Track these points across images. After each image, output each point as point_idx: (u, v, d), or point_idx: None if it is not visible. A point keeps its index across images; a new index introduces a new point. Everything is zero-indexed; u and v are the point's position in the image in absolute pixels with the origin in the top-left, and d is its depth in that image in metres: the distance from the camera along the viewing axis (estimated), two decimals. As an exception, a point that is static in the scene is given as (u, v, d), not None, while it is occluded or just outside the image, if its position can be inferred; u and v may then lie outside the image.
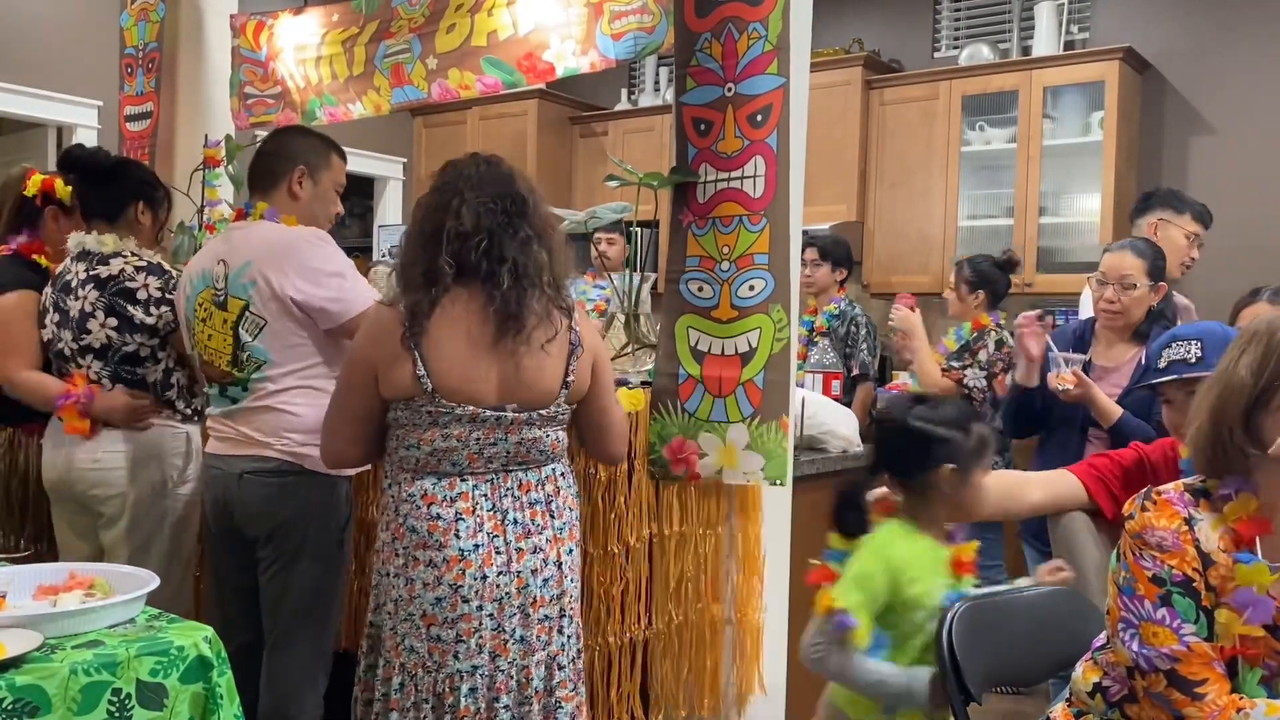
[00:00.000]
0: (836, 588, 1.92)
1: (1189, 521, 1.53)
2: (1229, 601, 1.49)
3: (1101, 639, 1.70)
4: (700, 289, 2.33)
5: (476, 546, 1.95)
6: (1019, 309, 4.18)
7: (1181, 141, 4.88)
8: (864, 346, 4.31)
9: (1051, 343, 2.81)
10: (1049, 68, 4.85)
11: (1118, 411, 2.71)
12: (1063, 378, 2.73)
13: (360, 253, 6.17)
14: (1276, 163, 4.62)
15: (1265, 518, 1.51)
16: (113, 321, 2.64)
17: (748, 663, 2.36)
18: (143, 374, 2.68)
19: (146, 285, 2.65)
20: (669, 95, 5.65)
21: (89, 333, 2.64)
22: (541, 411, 2.00)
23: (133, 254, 2.70)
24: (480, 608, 1.95)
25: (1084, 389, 2.72)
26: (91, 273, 2.67)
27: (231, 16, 3.83)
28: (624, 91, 6.50)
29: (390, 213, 6.66)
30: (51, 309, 2.76)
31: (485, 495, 1.98)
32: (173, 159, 3.70)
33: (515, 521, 1.99)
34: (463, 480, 1.98)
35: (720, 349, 2.31)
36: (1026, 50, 5.18)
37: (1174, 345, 2.13)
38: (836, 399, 3.35)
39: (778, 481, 2.31)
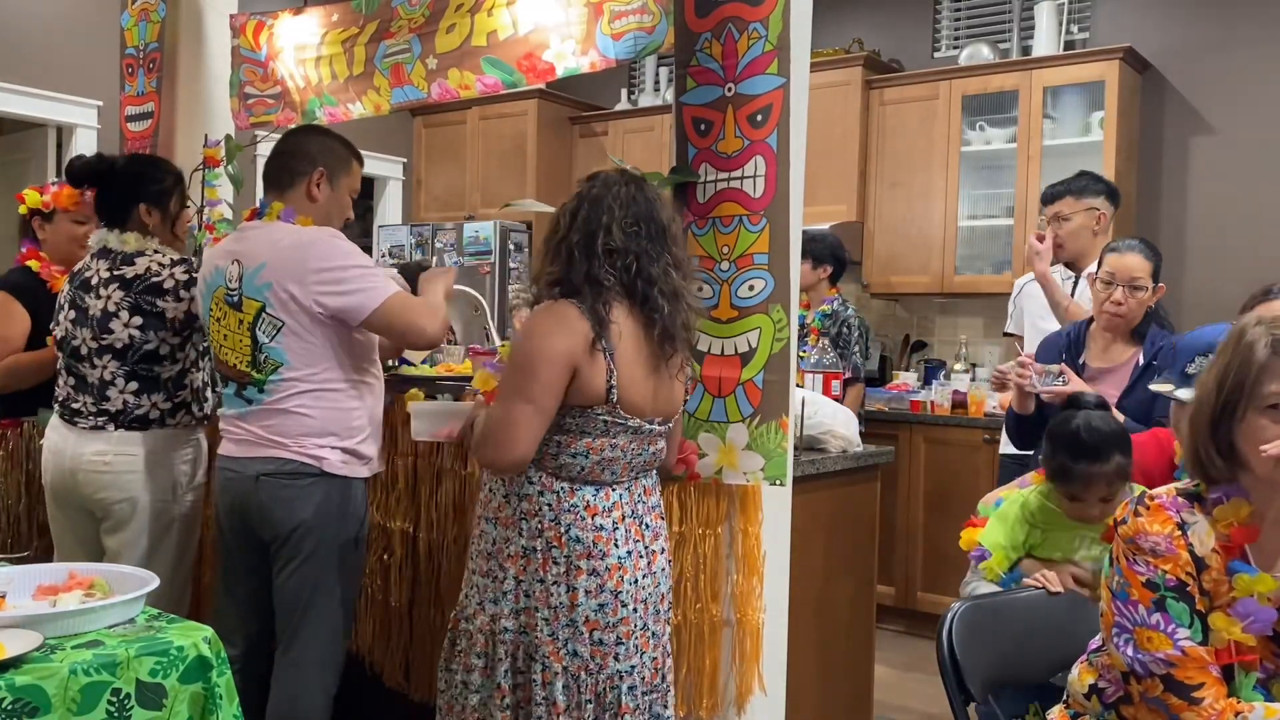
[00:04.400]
0: (985, 528, 2.35)
1: (1181, 526, 1.52)
2: (1230, 610, 1.48)
3: (1097, 641, 1.70)
4: (700, 289, 2.32)
5: (630, 553, 2.04)
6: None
7: (1181, 141, 4.88)
8: (856, 349, 4.30)
9: (1034, 374, 2.78)
10: (1049, 68, 4.85)
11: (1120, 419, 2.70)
12: (1053, 391, 2.73)
13: (360, 253, 6.15)
14: (1276, 163, 4.62)
15: (1254, 524, 1.51)
16: (138, 320, 2.64)
17: (747, 663, 2.36)
18: (159, 372, 2.68)
19: (173, 275, 2.68)
20: (669, 95, 5.65)
21: (111, 332, 2.65)
22: (669, 424, 2.13)
23: (155, 251, 2.72)
24: (635, 610, 2.04)
25: None
26: (116, 272, 2.67)
27: (231, 16, 3.83)
28: (624, 91, 6.51)
29: (390, 213, 6.66)
30: (67, 305, 2.75)
31: (626, 502, 2.07)
32: (173, 159, 3.69)
33: (647, 526, 2.10)
34: (613, 490, 2.05)
35: (720, 349, 2.31)
36: (1026, 50, 5.18)
37: (1209, 356, 2.09)
38: (836, 399, 3.35)
39: (778, 481, 2.31)
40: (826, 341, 4.14)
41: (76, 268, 2.81)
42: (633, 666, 2.05)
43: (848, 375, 4.27)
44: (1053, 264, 3.67)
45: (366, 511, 2.49)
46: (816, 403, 3.02)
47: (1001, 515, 2.35)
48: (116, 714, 1.53)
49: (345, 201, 2.57)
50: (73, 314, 2.73)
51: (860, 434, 3.13)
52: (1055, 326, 3.32)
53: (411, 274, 2.97)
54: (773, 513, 2.40)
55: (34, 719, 1.45)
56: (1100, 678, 1.65)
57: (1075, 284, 3.62)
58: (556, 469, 2.02)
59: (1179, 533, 1.52)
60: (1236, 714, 1.44)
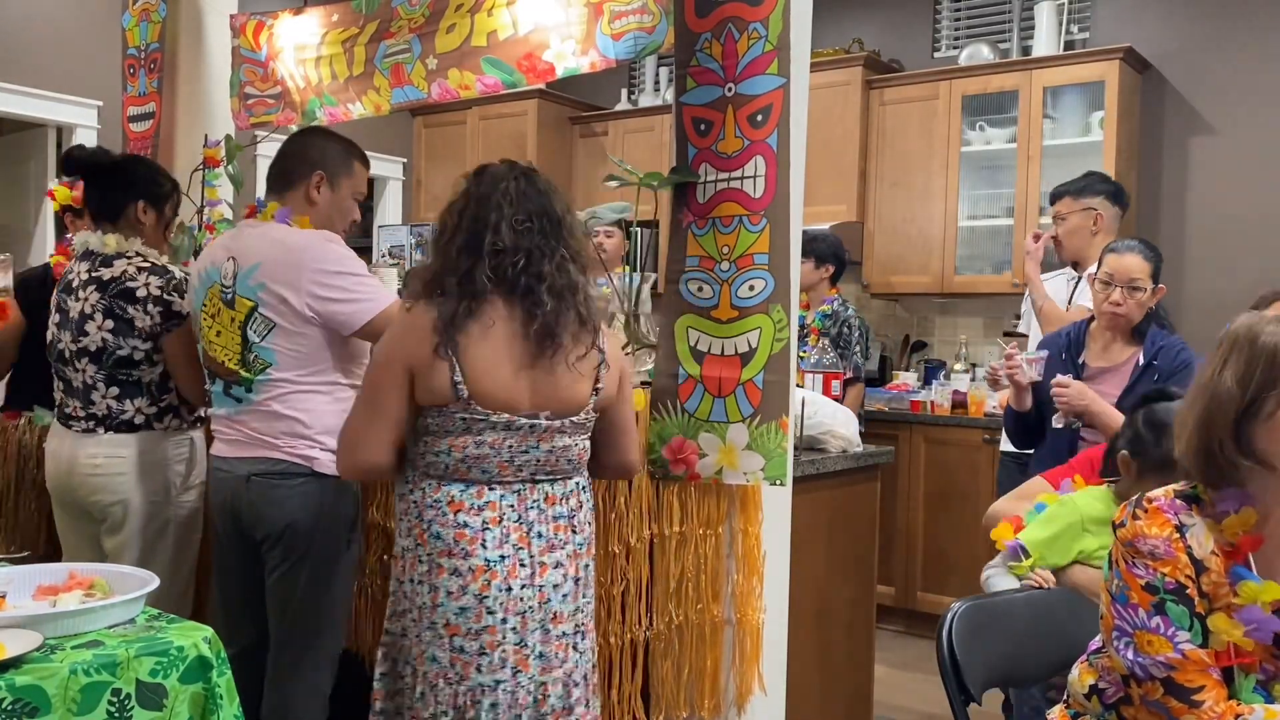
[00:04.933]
0: (1028, 528, 2.30)
1: (1180, 529, 1.52)
2: (1233, 615, 1.48)
3: (1097, 642, 1.70)
4: (700, 289, 2.33)
5: (502, 558, 1.93)
6: (1018, 307, 4.19)
7: (1181, 141, 4.88)
8: (857, 349, 4.30)
9: (1022, 361, 2.85)
10: (1049, 68, 4.85)
11: (1120, 420, 2.70)
12: (1056, 393, 2.78)
13: (360, 253, 6.16)
14: (1276, 163, 4.62)
15: (1259, 532, 1.51)
16: (110, 324, 2.63)
17: (747, 663, 2.36)
18: (139, 376, 2.67)
19: (147, 285, 2.64)
20: (669, 95, 5.65)
21: (86, 335, 2.64)
22: (573, 419, 1.99)
23: (137, 254, 2.70)
24: (504, 620, 1.92)
25: (1085, 403, 2.74)
26: (94, 274, 2.66)
27: (231, 16, 3.83)
28: (624, 91, 6.50)
29: (390, 213, 6.66)
30: (54, 309, 2.75)
31: (512, 506, 1.96)
32: (173, 159, 3.70)
33: (540, 535, 1.97)
34: (490, 489, 1.95)
35: (720, 349, 2.30)
36: (1026, 50, 5.18)
37: None
38: (836, 399, 3.35)
39: (778, 481, 2.31)
40: (826, 341, 4.14)
41: (64, 270, 2.81)
42: (498, 682, 1.92)
43: (848, 375, 4.27)
44: (1060, 264, 3.72)
45: (359, 512, 2.49)
46: (816, 403, 3.02)
47: (1050, 520, 2.28)
48: (117, 714, 1.53)
49: (347, 205, 2.54)
50: (57, 317, 2.72)
51: (860, 434, 3.14)
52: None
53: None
54: (773, 513, 2.40)
55: (34, 719, 1.45)
56: (1100, 678, 1.64)
57: (1077, 285, 3.63)
58: (426, 468, 1.97)
59: (1177, 535, 1.51)
60: (1236, 716, 1.44)
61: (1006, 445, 3.63)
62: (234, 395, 2.40)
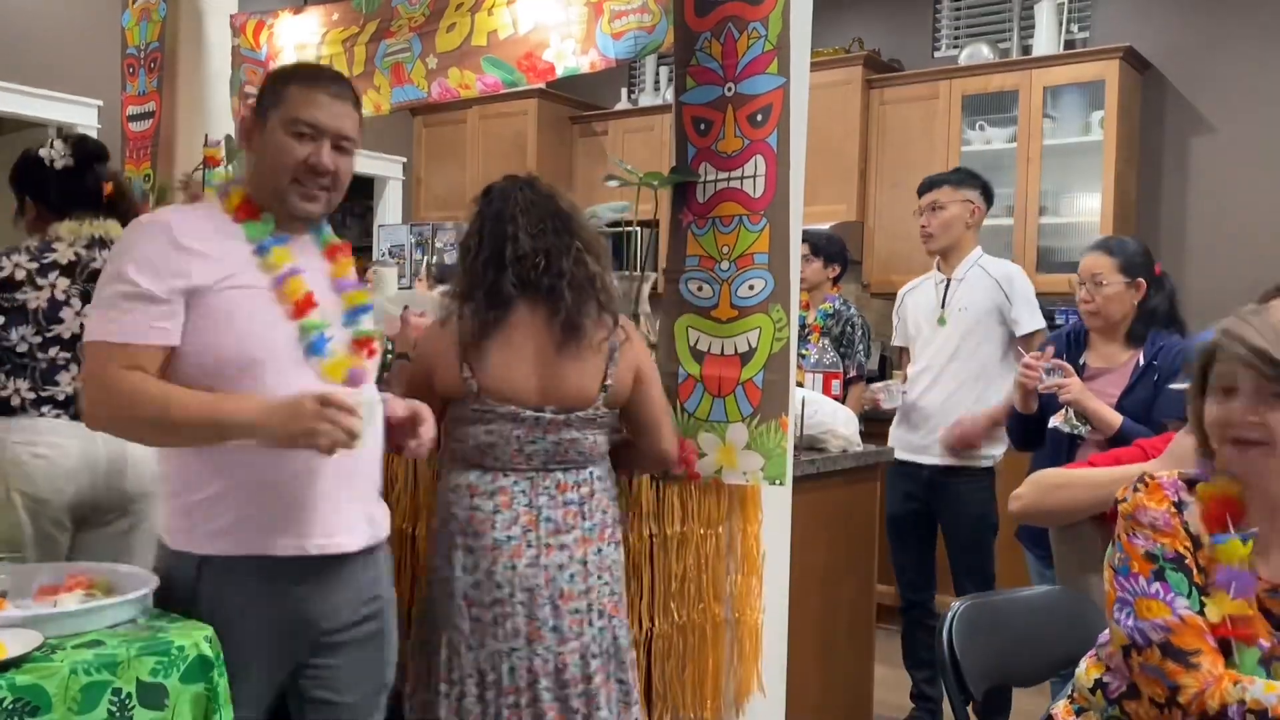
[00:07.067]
0: None
1: (1178, 505, 1.59)
2: (1214, 583, 1.53)
3: (1105, 636, 1.71)
4: (700, 289, 2.33)
5: (509, 538, 2.11)
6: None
7: (1181, 141, 4.88)
8: (860, 348, 4.30)
9: (1043, 371, 2.84)
10: (1049, 67, 4.85)
11: (1117, 420, 2.70)
12: (1057, 384, 2.77)
13: (360, 252, 6.16)
14: (1276, 163, 4.62)
15: (1243, 502, 1.56)
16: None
17: (747, 663, 2.36)
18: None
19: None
20: (669, 95, 5.65)
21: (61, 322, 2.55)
22: (580, 414, 2.14)
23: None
24: (512, 595, 2.10)
25: (1080, 398, 2.74)
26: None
27: (231, 16, 3.84)
28: (624, 91, 6.51)
29: (390, 212, 6.66)
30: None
31: (524, 491, 2.13)
32: (173, 159, 3.71)
33: (548, 519, 2.13)
34: (504, 476, 2.13)
35: (720, 349, 2.31)
36: (1026, 50, 5.18)
37: None
38: (837, 399, 3.35)
39: (777, 481, 2.31)
40: (827, 341, 4.13)
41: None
42: (512, 649, 2.10)
43: (851, 374, 4.27)
44: (931, 256, 3.68)
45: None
46: (816, 402, 3.02)
47: None
48: (118, 714, 1.53)
49: (277, 139, 1.81)
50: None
51: (860, 433, 3.14)
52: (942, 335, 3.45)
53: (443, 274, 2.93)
54: (773, 512, 2.40)
55: (35, 719, 1.45)
56: (1106, 672, 1.66)
57: (947, 289, 3.58)
58: (451, 453, 2.18)
59: (1175, 510, 1.58)
60: (1235, 683, 1.46)
61: (900, 452, 3.58)
62: None
